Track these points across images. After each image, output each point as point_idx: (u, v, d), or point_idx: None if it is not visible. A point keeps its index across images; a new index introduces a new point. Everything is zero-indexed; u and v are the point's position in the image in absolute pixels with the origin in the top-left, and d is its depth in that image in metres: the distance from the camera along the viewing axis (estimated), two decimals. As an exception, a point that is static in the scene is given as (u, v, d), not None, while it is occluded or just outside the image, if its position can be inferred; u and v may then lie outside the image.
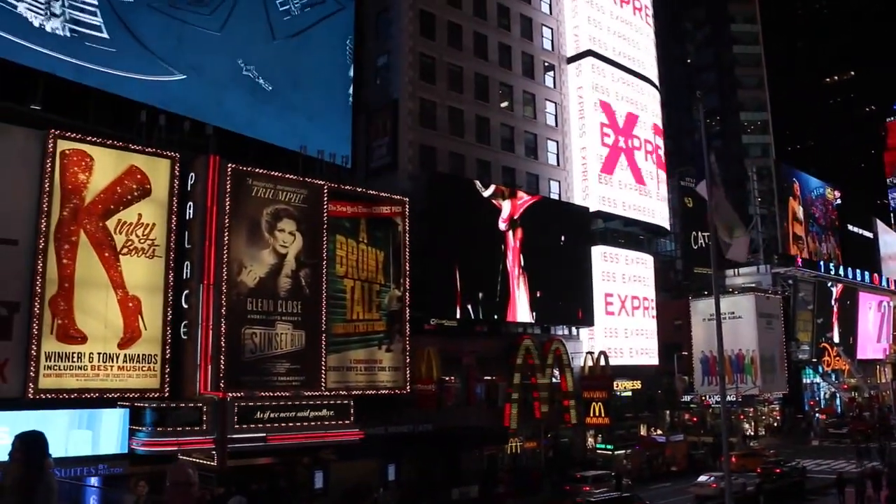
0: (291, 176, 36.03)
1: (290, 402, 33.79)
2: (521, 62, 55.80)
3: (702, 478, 40.88)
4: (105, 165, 30.97)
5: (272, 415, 32.76)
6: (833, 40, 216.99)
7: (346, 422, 35.31)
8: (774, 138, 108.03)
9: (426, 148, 47.76)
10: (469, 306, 45.80)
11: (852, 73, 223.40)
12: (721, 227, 19.95)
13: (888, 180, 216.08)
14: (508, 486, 41.38)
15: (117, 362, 30.32)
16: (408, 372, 39.92)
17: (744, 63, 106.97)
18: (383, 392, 38.89)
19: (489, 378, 47.58)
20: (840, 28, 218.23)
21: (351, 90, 46.33)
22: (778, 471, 43.19)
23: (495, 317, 47.69)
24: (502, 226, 48.49)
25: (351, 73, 46.58)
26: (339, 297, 37.81)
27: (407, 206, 41.30)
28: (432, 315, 44.30)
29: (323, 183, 37.33)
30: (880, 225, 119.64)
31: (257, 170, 34.70)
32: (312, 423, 34.00)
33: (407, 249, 40.86)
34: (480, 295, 46.61)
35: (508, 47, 54.97)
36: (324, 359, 35.83)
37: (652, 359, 59.95)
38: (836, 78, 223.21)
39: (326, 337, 36.18)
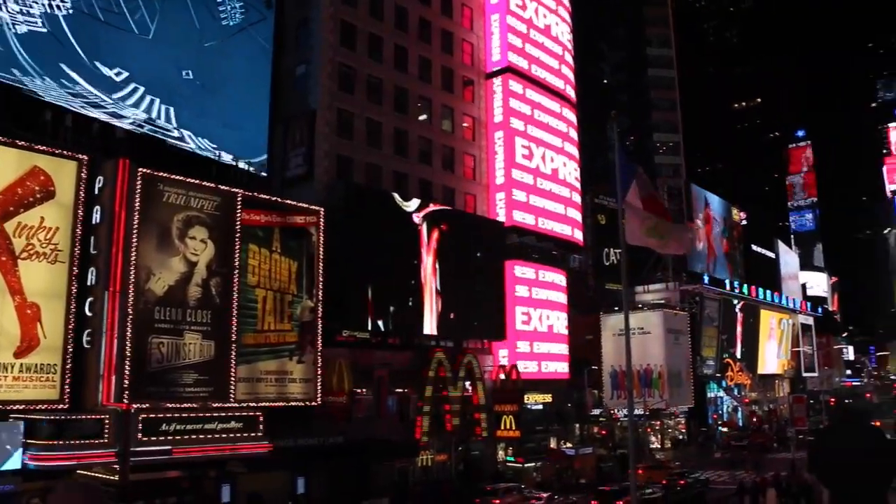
0: (205, 183, 35.27)
1: (197, 414, 33.01)
2: (441, 76, 56.21)
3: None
4: (5, 165, 29.72)
5: (178, 427, 31.93)
6: (741, 68, 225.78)
7: (256, 434, 34.70)
8: (685, 159, 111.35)
9: (343, 158, 47.52)
10: (382, 318, 45.69)
11: (759, 100, 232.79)
12: (652, 234, 20.40)
13: (789, 203, 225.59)
14: (419, 499, 41.31)
15: (12, 372, 28.98)
16: (319, 384, 39.45)
17: (658, 86, 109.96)
18: (294, 404, 38.36)
19: (401, 390, 47.53)
20: (748, 57, 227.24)
21: (269, 99, 45.74)
22: (682, 482, 44.34)
23: (408, 329, 47.66)
24: (417, 238, 48.55)
25: (269, 82, 46.00)
26: (250, 306, 37.18)
27: (322, 216, 40.94)
28: (345, 327, 43.94)
29: (237, 191, 36.65)
30: (781, 246, 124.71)
31: (169, 175, 33.81)
32: (220, 436, 33.30)
33: (321, 260, 40.49)
34: (394, 307, 46.57)
35: (429, 61, 55.28)
36: (233, 370, 35.07)
37: (563, 373, 60.87)
38: (744, 104, 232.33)
39: (236, 347, 35.47)
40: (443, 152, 55.35)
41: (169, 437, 31.47)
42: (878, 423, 69.41)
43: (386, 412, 46.11)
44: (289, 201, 40.13)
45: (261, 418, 35.01)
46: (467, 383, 50.13)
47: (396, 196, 47.93)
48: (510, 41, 60.11)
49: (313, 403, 39.17)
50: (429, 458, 47.94)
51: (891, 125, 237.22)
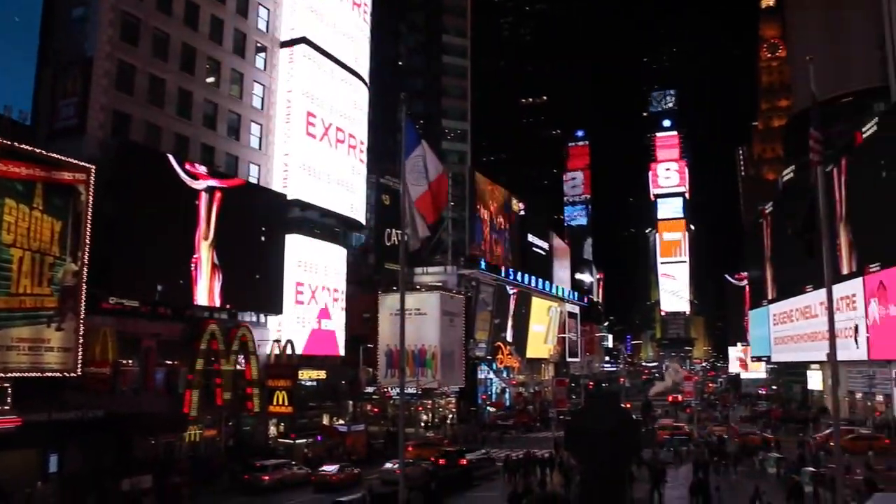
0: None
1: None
2: (233, 39, 54.12)
3: (387, 465, 42.45)
4: None
5: None
6: (532, 65, 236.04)
7: (3, 407, 31.89)
8: (472, 148, 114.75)
9: (120, 114, 44.48)
10: (153, 287, 43.39)
11: (545, 97, 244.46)
12: (415, 221, 20.77)
13: (565, 198, 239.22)
14: (185, 475, 39.79)
15: None
16: (80, 353, 37.00)
17: (451, 73, 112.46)
18: (49, 374, 35.68)
19: (171, 363, 45.56)
20: (539, 55, 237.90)
21: (38, 41, 41.93)
22: (449, 461, 45.74)
23: (181, 300, 45.67)
24: (196, 205, 46.55)
25: (39, 21, 42.15)
26: (3, 267, 34.09)
27: (93, 174, 38.26)
28: (112, 293, 41.30)
29: (-7, 138, 33.42)
30: (555, 238, 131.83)
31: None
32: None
33: (89, 221, 37.85)
34: (167, 276, 44.40)
35: (221, 21, 53.04)
36: (-22, 335, 32.06)
37: (338, 350, 60.95)
38: (530, 100, 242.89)
39: (-16, 311, 32.43)
40: (229, 119, 53.40)
41: None
42: (628, 405, 75.49)
43: (153, 385, 44.05)
44: (55, 155, 37.07)
45: (9, 390, 32.21)
46: (241, 357, 48.94)
47: (174, 160, 45.57)
48: (308, 11, 59.03)
49: (72, 374, 36.65)
50: (197, 433, 46.38)
51: (658, 134, 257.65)
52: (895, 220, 63.77)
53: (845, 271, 74.16)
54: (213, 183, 47.60)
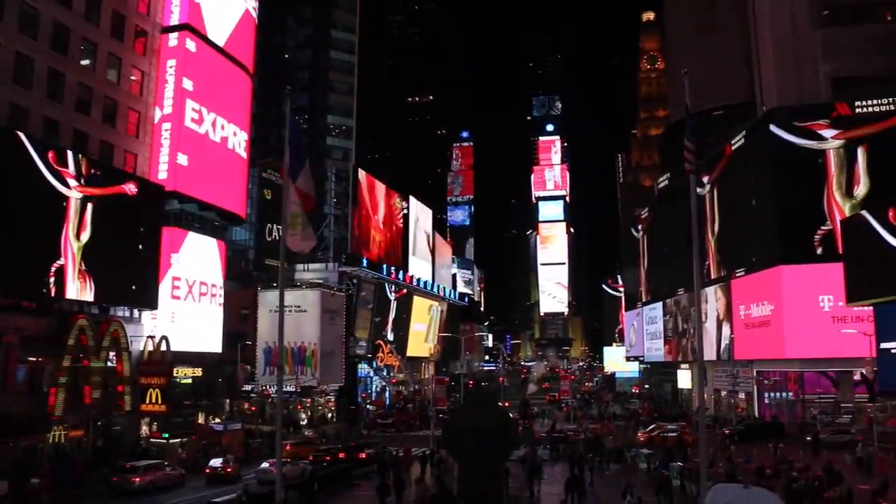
0: None
1: None
2: (112, 21, 51.66)
3: (264, 464, 41.42)
4: None
5: None
6: (419, 65, 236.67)
7: None
8: (356, 145, 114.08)
9: (-20, 94, 41.75)
10: (16, 278, 40.97)
11: (431, 97, 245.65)
12: (293, 219, 20.39)
13: (448, 198, 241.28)
14: (47, 478, 37.64)
15: None
16: (-71, 348, 34.50)
17: (338, 69, 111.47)
18: None
19: (34, 359, 43.02)
20: (427, 55, 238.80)
21: None
22: (328, 458, 45.27)
23: (47, 292, 43.23)
24: (65, 193, 44.12)
25: None
26: None
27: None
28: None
29: None
30: (438, 237, 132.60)
31: None
32: None
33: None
34: (32, 267, 41.99)
35: (98, 1, 50.54)
36: None
37: (216, 346, 59.29)
38: (417, 99, 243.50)
39: None
40: (104, 104, 50.96)
41: None
42: (506, 404, 76.73)
43: (14, 383, 41.47)
44: None
45: None
46: (112, 354, 46.83)
47: (29, 144, 43.03)
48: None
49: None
50: (62, 434, 44.04)
51: (541, 138, 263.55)
52: (759, 229, 67.34)
53: (714, 276, 77.78)
54: (83, 170, 45.16)
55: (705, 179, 76.87)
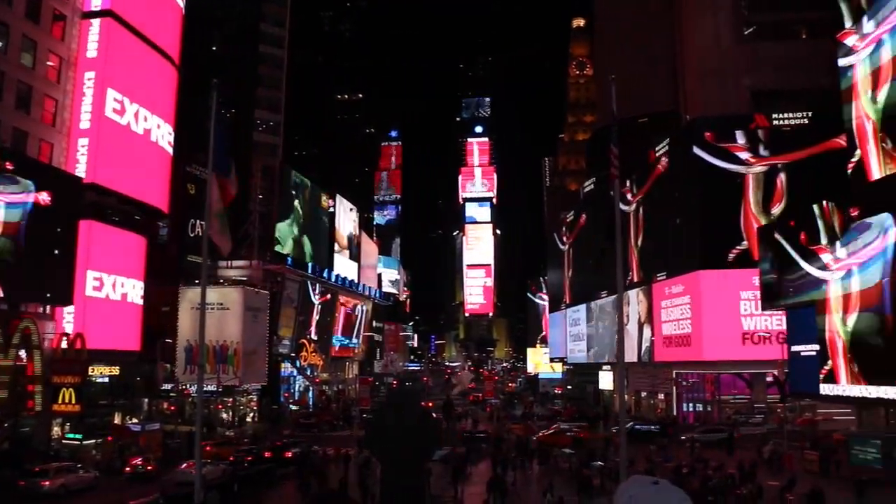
0: None
1: None
2: (27, 2, 49.66)
3: (183, 465, 40.41)
4: None
5: None
6: (350, 62, 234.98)
7: None
8: (284, 141, 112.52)
9: None
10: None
11: (361, 95, 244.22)
12: (213, 217, 19.95)
13: (375, 197, 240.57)
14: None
15: None
16: None
17: (267, 63, 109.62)
18: None
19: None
20: (358, 53, 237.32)
21: None
22: (250, 458, 44.46)
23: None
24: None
25: None
26: None
27: None
28: None
29: None
30: (364, 236, 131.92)
31: None
32: None
33: None
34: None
35: (12, -18, 48.60)
36: None
37: (134, 344, 57.63)
38: (347, 96, 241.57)
39: None
40: (18, 90, 48.98)
41: None
42: (430, 404, 76.73)
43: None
44: None
45: None
46: (22, 351, 45.01)
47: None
48: (114, -17, 55.43)
49: None
50: (-37, 436, 42.16)
51: (469, 140, 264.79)
52: (681, 241, 69.08)
53: (636, 279, 79.33)
54: (-4, 160, 43.40)
55: (629, 196, 78.54)
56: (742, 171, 65.57)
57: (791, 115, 65.60)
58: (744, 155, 65.63)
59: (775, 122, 65.62)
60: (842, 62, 43.37)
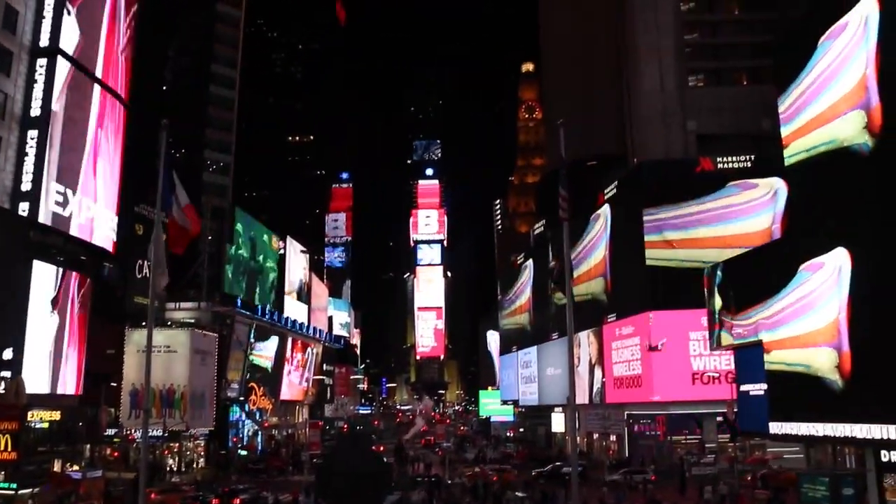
0: None
1: None
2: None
3: None
4: None
5: None
6: (301, 104, 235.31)
7: None
8: (234, 182, 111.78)
9: None
10: None
11: (311, 137, 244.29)
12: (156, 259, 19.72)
13: (326, 239, 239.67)
14: None
15: None
16: None
17: (218, 104, 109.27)
18: None
19: None
20: (309, 95, 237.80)
21: None
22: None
23: None
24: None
25: None
26: None
27: None
28: None
29: None
30: (314, 278, 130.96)
31: None
32: None
33: None
34: None
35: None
36: None
37: (76, 388, 55.94)
38: (297, 138, 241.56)
39: None
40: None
41: None
42: (382, 448, 75.83)
43: None
44: None
45: None
46: (-43, 396, 43.43)
47: None
48: (65, 21, 54.73)
49: None
50: None
51: (420, 182, 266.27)
52: (631, 274, 69.84)
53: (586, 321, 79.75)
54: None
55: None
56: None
57: (734, 157, 67.26)
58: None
59: (720, 166, 67.10)
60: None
